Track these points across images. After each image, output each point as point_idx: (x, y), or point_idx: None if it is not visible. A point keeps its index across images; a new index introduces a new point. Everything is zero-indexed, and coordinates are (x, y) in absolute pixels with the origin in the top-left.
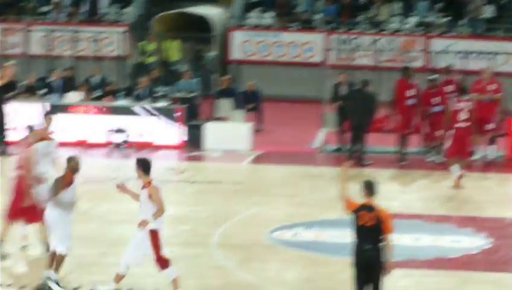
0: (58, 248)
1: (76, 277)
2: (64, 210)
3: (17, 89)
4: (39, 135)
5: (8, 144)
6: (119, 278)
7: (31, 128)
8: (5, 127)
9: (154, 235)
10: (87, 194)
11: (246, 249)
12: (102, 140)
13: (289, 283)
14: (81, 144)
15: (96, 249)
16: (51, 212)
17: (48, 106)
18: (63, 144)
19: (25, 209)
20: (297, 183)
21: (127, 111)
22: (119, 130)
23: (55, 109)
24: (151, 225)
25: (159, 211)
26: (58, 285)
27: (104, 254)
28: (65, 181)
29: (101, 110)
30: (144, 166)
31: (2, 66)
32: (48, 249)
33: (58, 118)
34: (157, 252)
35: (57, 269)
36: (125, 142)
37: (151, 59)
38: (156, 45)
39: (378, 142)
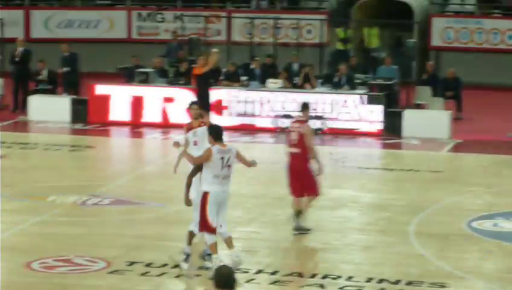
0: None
1: (273, 261)
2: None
3: (220, 75)
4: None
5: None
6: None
7: (306, 106)
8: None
9: (204, 197)
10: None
11: (444, 239)
12: None
13: (488, 274)
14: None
15: (286, 233)
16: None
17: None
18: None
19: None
20: (498, 173)
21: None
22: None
23: None
24: (204, 187)
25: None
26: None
27: (300, 239)
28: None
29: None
30: (215, 132)
31: (207, 52)
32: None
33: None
34: (203, 214)
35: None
36: (320, 129)
37: (350, 46)
38: (355, 31)
39: None
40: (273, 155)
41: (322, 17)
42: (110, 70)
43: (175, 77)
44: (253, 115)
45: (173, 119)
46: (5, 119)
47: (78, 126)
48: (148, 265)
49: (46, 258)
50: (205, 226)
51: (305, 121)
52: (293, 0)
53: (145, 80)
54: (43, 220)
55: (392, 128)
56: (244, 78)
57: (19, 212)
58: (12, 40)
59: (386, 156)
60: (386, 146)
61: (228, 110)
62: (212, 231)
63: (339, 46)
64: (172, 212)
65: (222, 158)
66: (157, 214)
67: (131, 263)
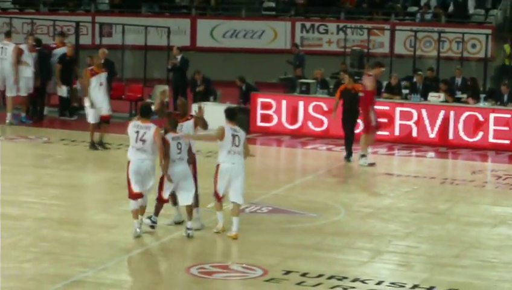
0: None
1: (430, 277)
2: None
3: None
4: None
5: None
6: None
7: None
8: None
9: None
10: (446, 195)
11: None
12: None
13: None
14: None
15: (452, 251)
16: None
17: None
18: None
19: None
20: None
21: None
22: None
23: None
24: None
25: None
26: None
27: (457, 255)
28: None
29: None
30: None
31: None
32: None
33: None
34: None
35: None
36: None
37: None
38: None
39: None
40: (432, 170)
41: (488, 31)
42: (273, 81)
43: (335, 88)
44: (412, 129)
45: (333, 130)
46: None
47: None
48: (304, 275)
49: (205, 264)
50: (129, 192)
51: None
52: (458, 14)
53: (306, 91)
54: (204, 226)
55: None
56: (405, 91)
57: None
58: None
59: None
60: None
61: (389, 123)
62: (133, 197)
63: (506, 61)
64: (329, 223)
65: (137, 132)
66: (314, 224)
67: (288, 272)
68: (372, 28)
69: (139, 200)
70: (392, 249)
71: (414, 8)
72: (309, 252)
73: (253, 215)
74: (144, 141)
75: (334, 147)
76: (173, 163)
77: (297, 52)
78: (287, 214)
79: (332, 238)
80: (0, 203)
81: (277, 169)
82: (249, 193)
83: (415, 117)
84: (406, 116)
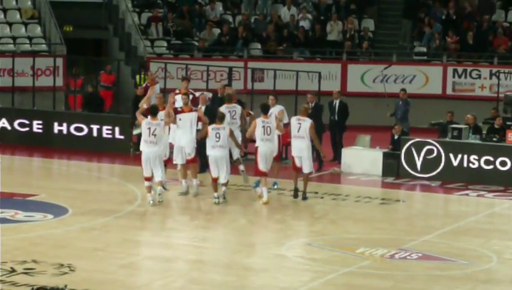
0: None
1: None
2: None
3: None
4: None
5: None
6: None
7: None
8: None
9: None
10: None
11: None
12: None
13: None
14: None
15: None
16: None
17: None
18: None
19: None
20: None
21: None
22: None
23: None
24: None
25: None
26: None
27: None
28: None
29: None
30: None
31: None
32: None
33: None
34: None
35: None
36: None
37: None
38: None
39: None
40: None
41: None
42: (423, 126)
43: (488, 134)
44: None
45: (480, 177)
46: (321, 170)
47: (389, 179)
48: None
49: None
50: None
51: None
52: None
53: (458, 136)
54: (352, 272)
55: None
56: None
57: (329, 262)
58: (329, 93)
59: None
60: None
61: None
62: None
63: None
64: (480, 271)
65: (149, 128)
66: (465, 271)
67: None
68: None
69: None
70: None
71: None
72: None
73: (402, 261)
74: (154, 135)
75: (486, 193)
76: None
77: (405, 97)
78: (437, 261)
79: (484, 286)
80: (153, 245)
81: (426, 215)
82: (399, 238)
83: None
84: None
